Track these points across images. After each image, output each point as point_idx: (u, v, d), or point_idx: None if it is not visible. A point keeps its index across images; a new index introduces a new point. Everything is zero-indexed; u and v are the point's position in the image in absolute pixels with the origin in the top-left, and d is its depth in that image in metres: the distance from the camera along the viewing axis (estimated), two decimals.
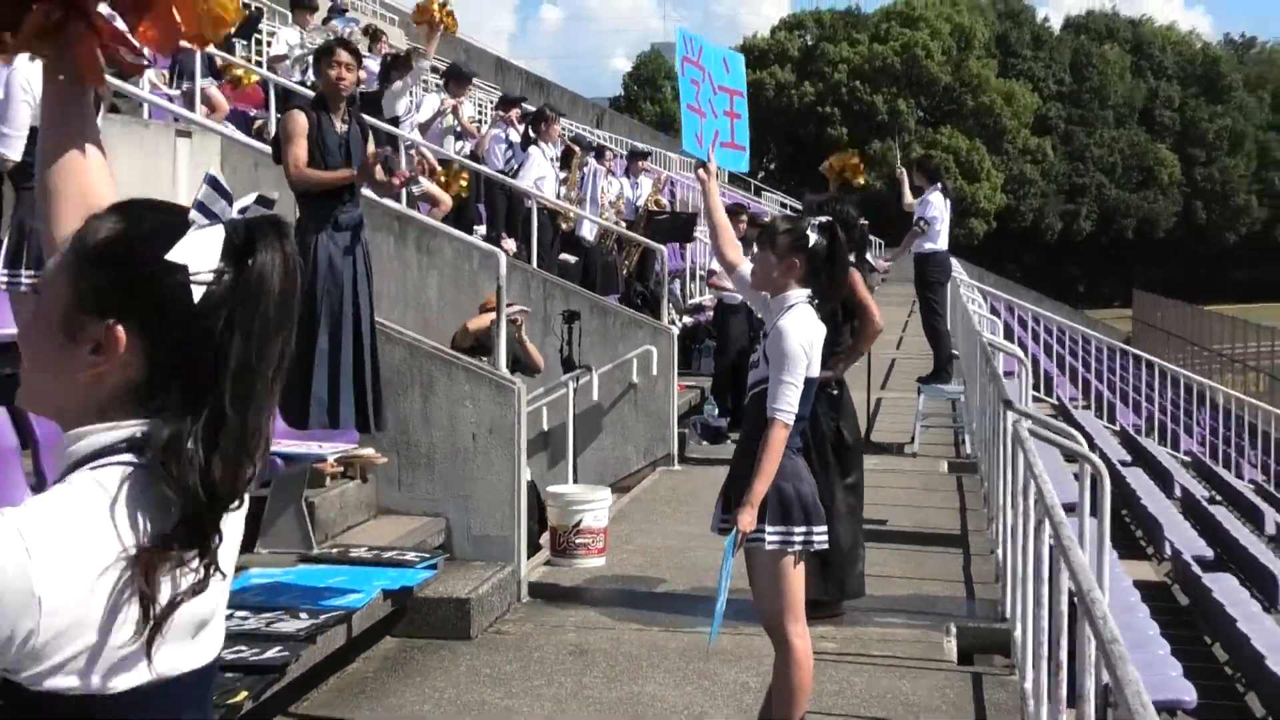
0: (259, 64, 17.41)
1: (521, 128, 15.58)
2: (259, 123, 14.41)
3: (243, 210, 1.85)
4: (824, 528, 5.76)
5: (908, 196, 15.21)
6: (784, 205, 46.59)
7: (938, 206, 14.35)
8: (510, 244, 14.04)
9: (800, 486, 5.67)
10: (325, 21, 17.16)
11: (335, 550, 7.51)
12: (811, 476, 5.83)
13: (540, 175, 14.63)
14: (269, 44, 19.60)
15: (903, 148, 79.67)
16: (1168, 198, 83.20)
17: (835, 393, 8.17)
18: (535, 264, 13.64)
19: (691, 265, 20.34)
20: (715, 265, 15.42)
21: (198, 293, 1.75)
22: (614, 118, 51.39)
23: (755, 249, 5.88)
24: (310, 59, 15.96)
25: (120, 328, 1.75)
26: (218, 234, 1.79)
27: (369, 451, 8.28)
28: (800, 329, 5.60)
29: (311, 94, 14.31)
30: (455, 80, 15.72)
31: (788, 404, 5.56)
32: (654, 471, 12.76)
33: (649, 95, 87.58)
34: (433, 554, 7.57)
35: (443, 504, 8.41)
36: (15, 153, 6.90)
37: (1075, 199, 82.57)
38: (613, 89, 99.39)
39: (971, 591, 8.70)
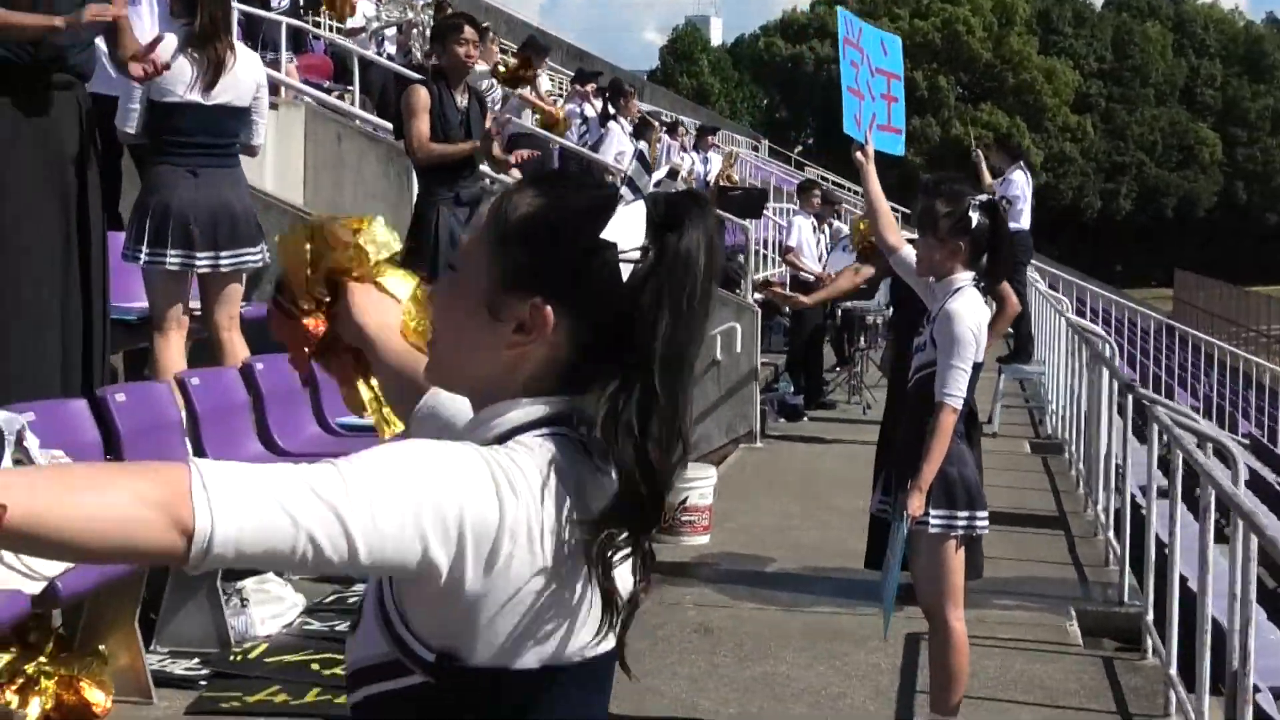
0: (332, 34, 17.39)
1: (598, 103, 15.56)
2: (334, 94, 14.39)
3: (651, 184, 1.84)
4: (985, 512, 5.74)
5: (986, 178, 15.12)
6: (824, 179, 46.46)
7: (1020, 185, 14.30)
8: None
9: (964, 470, 5.65)
10: None
11: None
12: (974, 460, 5.81)
13: (620, 150, 14.60)
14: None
15: (942, 124, 79.66)
16: (1208, 177, 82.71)
17: None
18: None
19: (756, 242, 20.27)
20: (792, 242, 15.41)
21: (625, 270, 1.73)
22: (654, 90, 51.23)
23: (916, 232, 5.85)
24: (387, 30, 16.04)
25: (548, 306, 1.73)
26: (641, 209, 1.77)
27: None
28: (970, 313, 5.57)
29: (399, 67, 14.45)
30: (533, 52, 15.68)
31: (958, 388, 5.53)
32: (736, 449, 12.74)
33: (685, 69, 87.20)
34: None
35: None
36: (131, 125, 6.87)
37: (1115, 178, 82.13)
38: (642, 62, 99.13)
39: (1083, 575, 8.67)
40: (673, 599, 8.03)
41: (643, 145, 15.50)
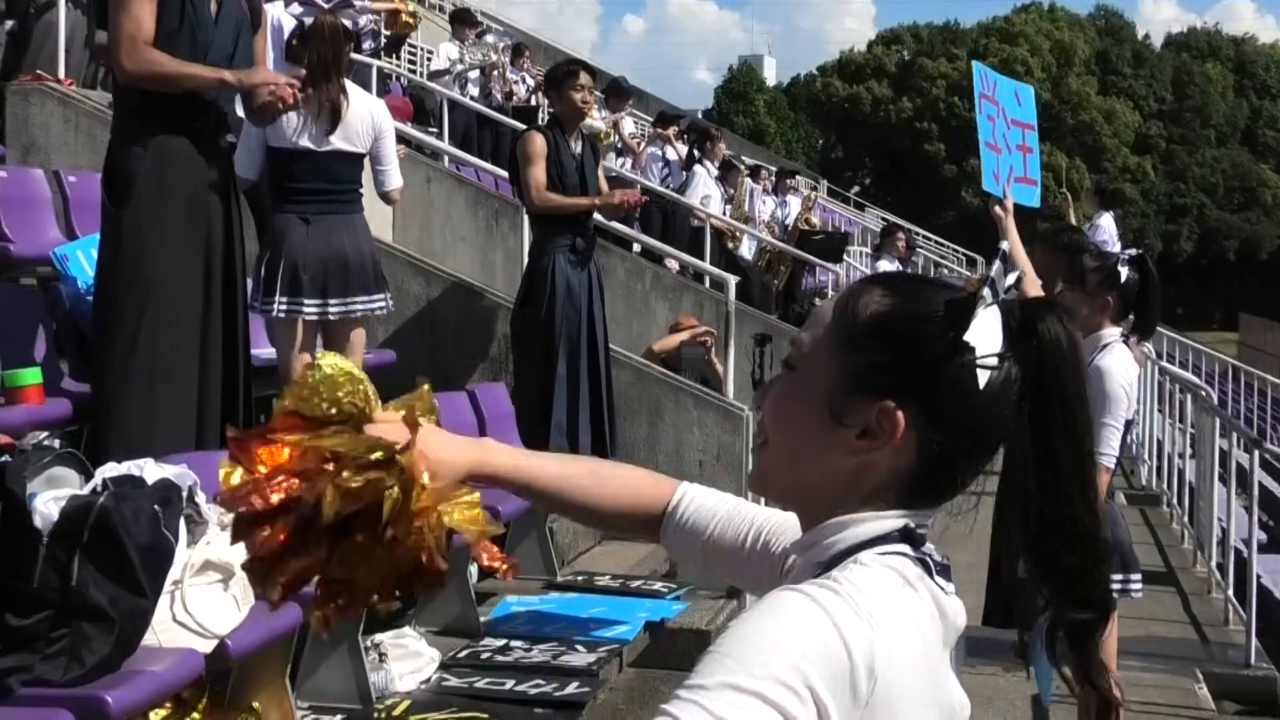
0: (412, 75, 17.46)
1: (682, 147, 15.53)
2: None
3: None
4: (1139, 575, 5.62)
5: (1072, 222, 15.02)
6: (884, 220, 46.27)
7: (1108, 230, 14.12)
8: (673, 263, 13.97)
9: (1116, 532, 5.53)
10: (480, 36, 17.19)
11: (580, 578, 7.43)
12: (1126, 522, 5.69)
13: (706, 194, 14.55)
14: (426, 57, 19.73)
15: None
16: (1271, 219, 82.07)
17: None
18: (709, 284, 13.55)
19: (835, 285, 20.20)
20: None
21: (983, 377, 1.63)
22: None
23: (1063, 286, 5.74)
24: (470, 73, 16.08)
25: (900, 410, 1.62)
26: (997, 314, 1.67)
27: None
28: (1121, 369, 5.46)
29: (481, 108, 14.46)
30: (615, 96, 15.69)
31: (1110, 448, 5.41)
32: None
33: (740, 108, 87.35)
34: (679, 584, 7.45)
35: None
36: (250, 172, 6.84)
37: (1176, 219, 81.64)
38: (694, 100, 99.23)
39: (1203, 635, 8.50)
40: None
41: (729, 189, 15.47)
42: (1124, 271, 5.57)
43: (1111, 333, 5.57)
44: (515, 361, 8.18)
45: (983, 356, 1.64)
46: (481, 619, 6.48)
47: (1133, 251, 5.74)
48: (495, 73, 16.50)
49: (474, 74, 16.06)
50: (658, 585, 7.42)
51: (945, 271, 28.11)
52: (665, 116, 16.98)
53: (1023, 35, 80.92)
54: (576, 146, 8.08)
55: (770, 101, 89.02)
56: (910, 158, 79.75)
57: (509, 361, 8.52)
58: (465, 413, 7.30)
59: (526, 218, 8.72)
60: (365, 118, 6.97)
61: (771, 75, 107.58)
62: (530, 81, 17.59)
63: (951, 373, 1.63)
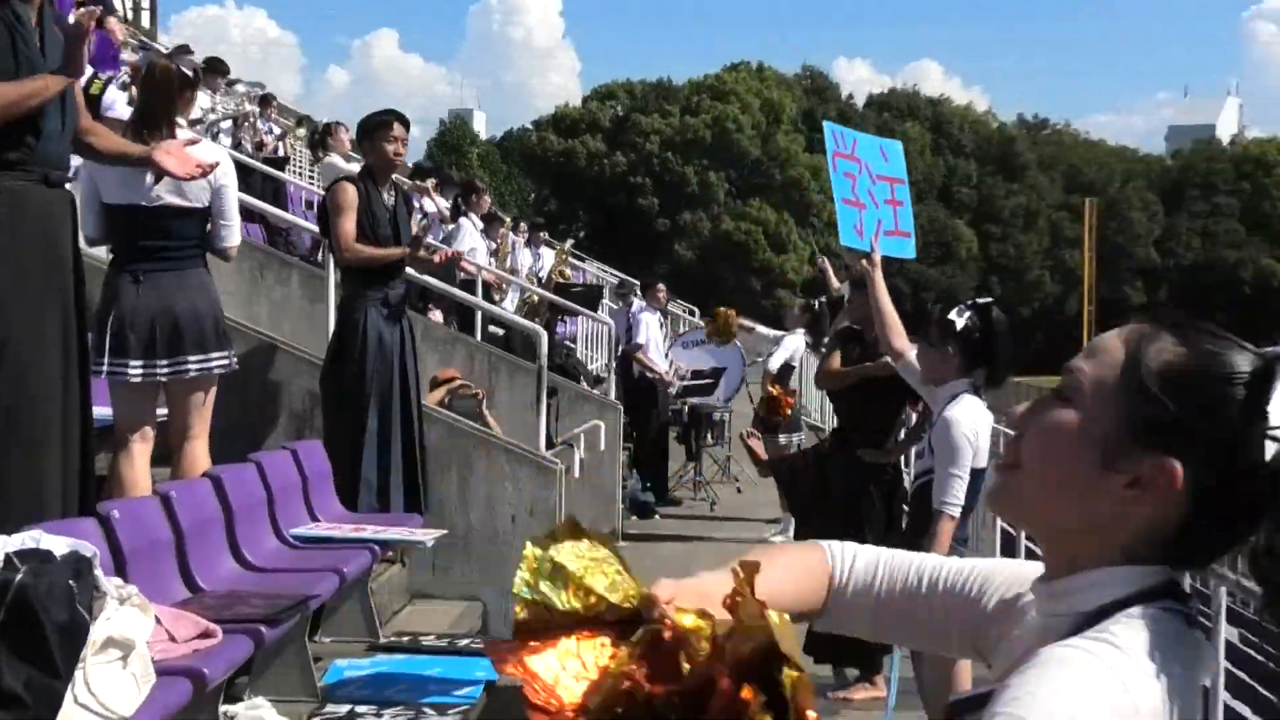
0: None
1: (440, 199, 15.41)
2: None
3: None
4: None
5: (834, 282, 15.38)
6: (602, 271, 46.67)
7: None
8: (436, 314, 13.85)
9: None
10: (230, 85, 16.80)
11: (405, 639, 7.24)
12: None
13: (472, 246, 14.45)
14: None
15: (712, 219, 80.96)
16: (966, 272, 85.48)
17: (890, 478, 8.13)
18: (480, 337, 13.45)
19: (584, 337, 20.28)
20: (641, 339, 15.39)
21: (1270, 449, 1.57)
22: None
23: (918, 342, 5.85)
24: (223, 123, 15.69)
25: (1180, 467, 1.57)
26: None
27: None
28: (965, 419, 5.56)
29: (242, 157, 14.08)
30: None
31: (954, 497, 5.52)
32: None
33: (454, 161, 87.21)
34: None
35: (479, 588, 8.19)
36: (88, 229, 6.43)
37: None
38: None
39: None
40: None
41: (494, 241, 15.41)
42: (959, 321, 5.65)
43: (960, 384, 5.66)
44: (325, 418, 7.97)
45: (1273, 428, 1.58)
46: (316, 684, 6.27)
47: (979, 300, 5.83)
48: (246, 123, 16.15)
49: (226, 124, 15.68)
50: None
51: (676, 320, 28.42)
52: (422, 169, 16.84)
53: (733, 93, 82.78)
54: (389, 198, 7.94)
55: (483, 154, 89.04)
56: (624, 212, 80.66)
57: (314, 418, 8.29)
58: (289, 471, 7.07)
59: (334, 269, 8.52)
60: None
61: (482, 129, 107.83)
62: (278, 130, 17.28)
63: (1245, 439, 1.58)
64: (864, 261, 6.31)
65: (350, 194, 7.77)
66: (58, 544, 3.75)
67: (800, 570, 1.96)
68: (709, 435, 15.83)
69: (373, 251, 7.72)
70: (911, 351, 6.03)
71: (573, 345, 20.24)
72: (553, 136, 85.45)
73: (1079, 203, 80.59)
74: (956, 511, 5.54)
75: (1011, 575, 1.87)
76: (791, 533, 13.11)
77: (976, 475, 5.65)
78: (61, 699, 3.52)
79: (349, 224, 7.71)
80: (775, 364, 13.80)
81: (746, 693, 1.47)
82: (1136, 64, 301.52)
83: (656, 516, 14.52)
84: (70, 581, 3.50)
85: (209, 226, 6.64)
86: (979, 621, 1.86)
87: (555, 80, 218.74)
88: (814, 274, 15.29)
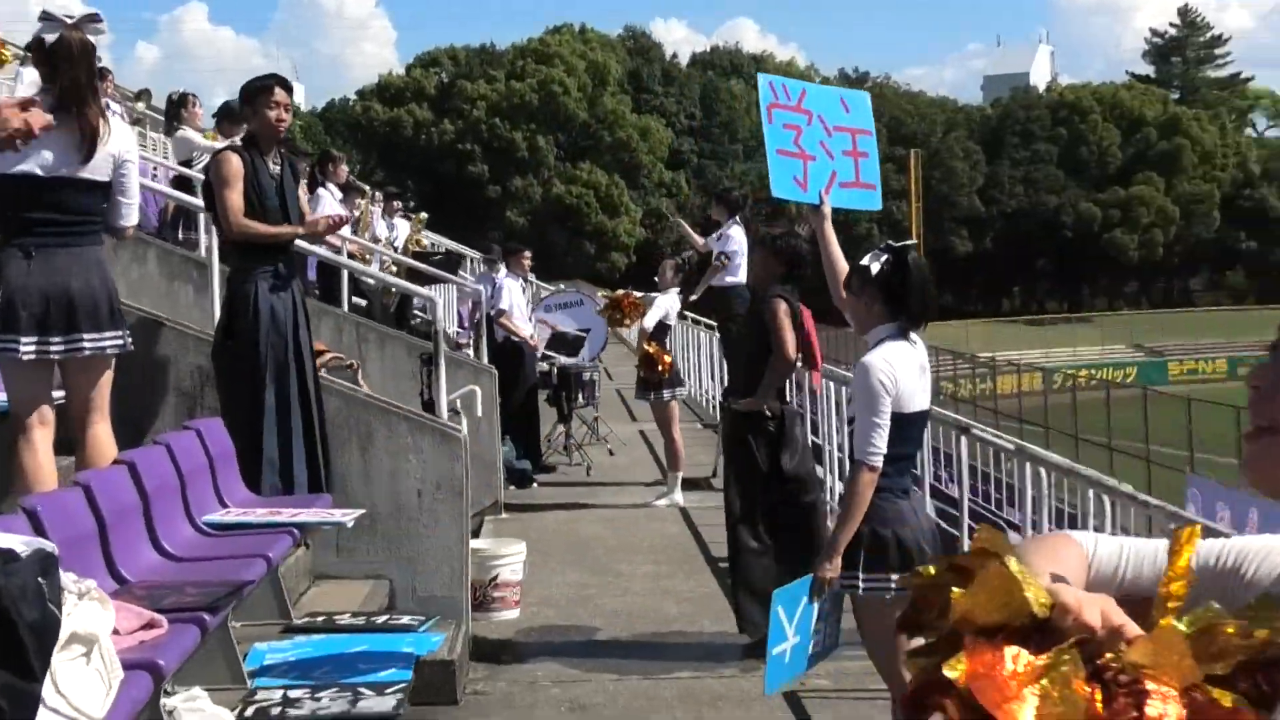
0: None
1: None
2: None
3: None
4: None
5: (695, 239, 15.40)
6: (436, 241, 46.29)
7: (738, 240, 14.51)
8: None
9: (900, 531, 5.53)
10: None
11: (319, 619, 7.03)
12: (921, 520, 5.71)
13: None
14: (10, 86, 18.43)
15: (543, 184, 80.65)
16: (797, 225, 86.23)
17: (773, 428, 8.09)
18: (346, 308, 13.18)
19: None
20: (504, 304, 15.19)
21: None
22: None
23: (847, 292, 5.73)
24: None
25: None
26: None
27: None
28: (880, 364, 5.44)
29: None
30: (228, 120, 15.02)
31: (874, 446, 5.41)
32: (484, 522, 12.38)
33: None
34: (425, 615, 7.15)
35: (385, 566, 7.96)
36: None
37: (710, 232, 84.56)
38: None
39: None
40: (525, 679, 7.72)
41: (353, 211, 15.08)
42: (875, 266, 5.56)
43: (884, 329, 5.56)
44: (221, 396, 7.68)
45: None
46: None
47: (893, 244, 5.73)
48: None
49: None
50: (404, 619, 7.10)
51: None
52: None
53: (558, 56, 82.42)
54: (274, 167, 7.66)
55: (305, 126, 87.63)
56: (454, 180, 79.99)
57: (204, 395, 8.00)
58: (196, 453, 6.80)
59: (218, 241, 8.23)
60: (107, 145, 6.31)
61: (301, 101, 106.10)
62: (115, 107, 16.73)
63: None
64: (812, 215, 6.20)
65: (235, 164, 7.48)
66: (11, 540, 3.50)
67: (1076, 562, 1.86)
68: (580, 396, 15.70)
69: (264, 229, 7.45)
70: None
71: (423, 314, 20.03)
72: (378, 106, 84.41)
73: (903, 155, 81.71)
74: (877, 460, 5.44)
75: (1270, 543, 1.79)
76: (678, 496, 13.08)
77: (912, 421, 5.57)
78: (37, 703, 3.29)
79: (235, 197, 7.43)
80: (649, 322, 13.73)
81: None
82: (947, 16, 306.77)
83: (534, 485, 14.37)
84: (40, 579, 3.27)
85: (108, 203, 6.34)
86: (1237, 590, 1.77)
87: (370, 50, 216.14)
88: (672, 236, 15.20)
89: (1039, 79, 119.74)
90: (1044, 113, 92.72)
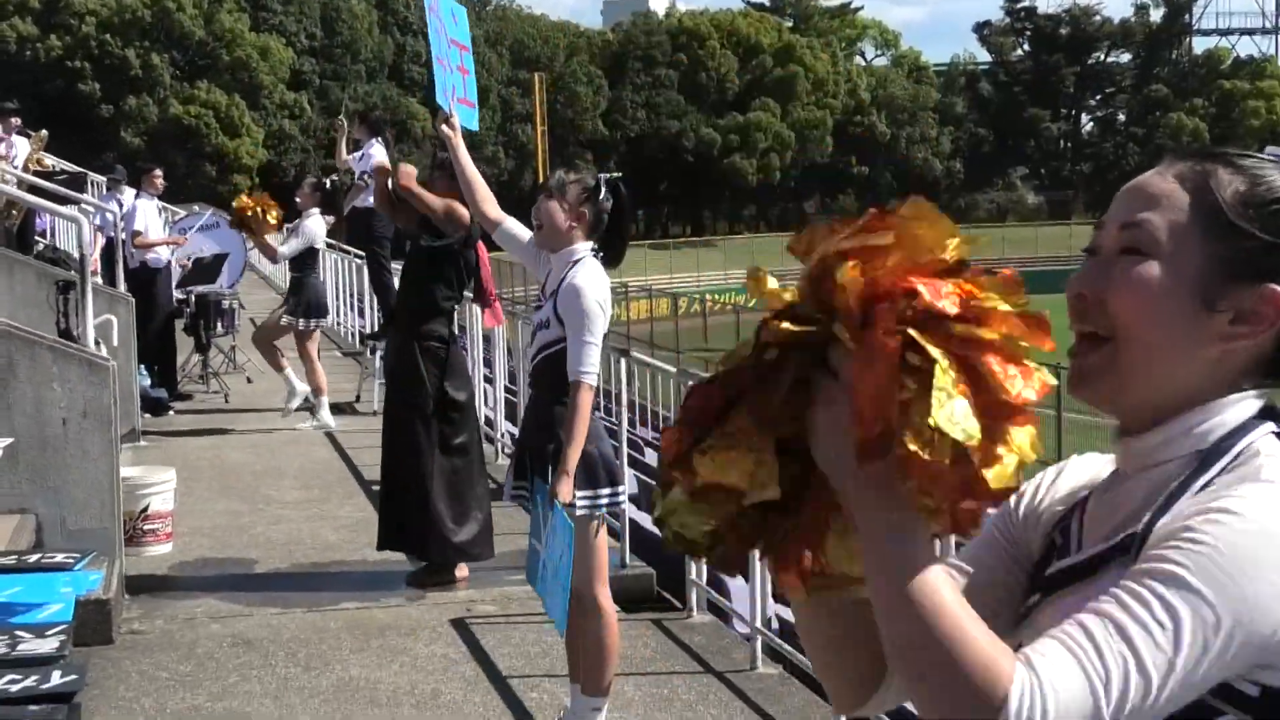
0: None
1: None
2: None
3: None
4: (624, 487, 5.71)
5: (342, 153, 15.08)
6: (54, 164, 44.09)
7: (380, 157, 14.24)
8: None
9: (602, 446, 5.59)
10: None
11: None
12: (607, 435, 5.75)
13: None
14: None
15: (159, 104, 77.46)
16: (421, 150, 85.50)
17: (444, 354, 8.01)
18: None
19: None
20: (139, 226, 14.57)
21: None
22: None
23: (540, 200, 5.65)
24: None
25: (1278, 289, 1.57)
26: None
27: None
28: (594, 285, 5.47)
29: None
30: None
31: (591, 364, 5.43)
32: (124, 450, 11.89)
33: None
34: (80, 553, 6.80)
35: (30, 499, 7.54)
36: None
37: (332, 154, 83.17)
38: None
39: None
40: (183, 615, 7.48)
41: None
42: (603, 190, 5.60)
43: (584, 247, 5.56)
44: None
45: None
46: None
47: (616, 175, 5.76)
48: None
49: None
50: (59, 556, 6.74)
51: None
52: None
53: None
54: None
55: None
56: (63, 99, 76.11)
57: None
58: None
59: None
60: None
61: None
62: None
63: None
64: (445, 125, 6.11)
65: None
66: None
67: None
68: (219, 324, 15.22)
69: None
70: (509, 220, 5.91)
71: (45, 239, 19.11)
72: None
73: (527, 78, 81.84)
74: (595, 379, 5.47)
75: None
76: (327, 416, 12.84)
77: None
78: None
79: None
80: (289, 250, 13.33)
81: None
82: None
83: (171, 413, 13.90)
84: None
85: None
86: (1018, 541, 1.79)
87: None
88: (295, 159, 14.82)
89: (658, 4, 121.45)
90: (664, 39, 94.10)
